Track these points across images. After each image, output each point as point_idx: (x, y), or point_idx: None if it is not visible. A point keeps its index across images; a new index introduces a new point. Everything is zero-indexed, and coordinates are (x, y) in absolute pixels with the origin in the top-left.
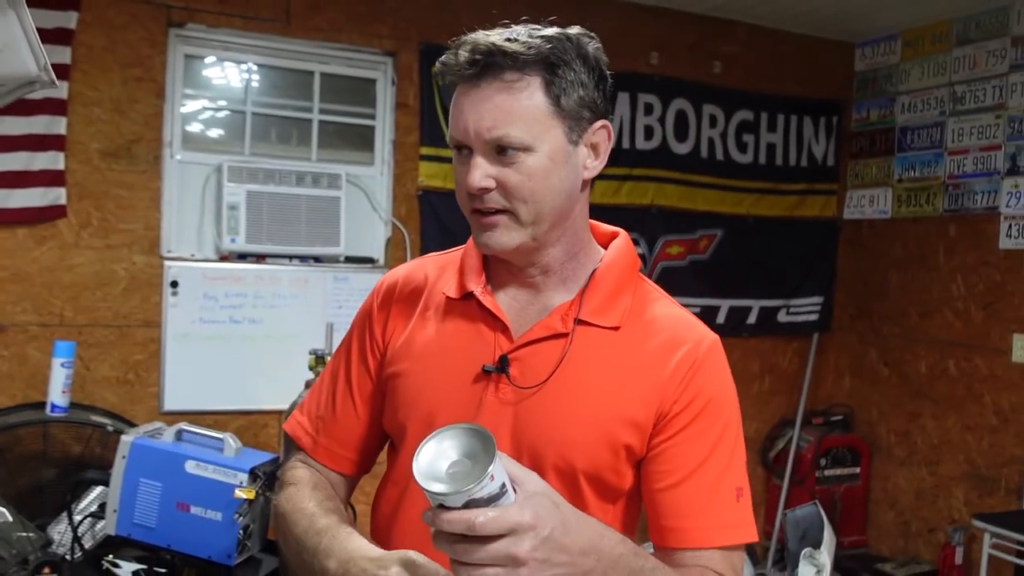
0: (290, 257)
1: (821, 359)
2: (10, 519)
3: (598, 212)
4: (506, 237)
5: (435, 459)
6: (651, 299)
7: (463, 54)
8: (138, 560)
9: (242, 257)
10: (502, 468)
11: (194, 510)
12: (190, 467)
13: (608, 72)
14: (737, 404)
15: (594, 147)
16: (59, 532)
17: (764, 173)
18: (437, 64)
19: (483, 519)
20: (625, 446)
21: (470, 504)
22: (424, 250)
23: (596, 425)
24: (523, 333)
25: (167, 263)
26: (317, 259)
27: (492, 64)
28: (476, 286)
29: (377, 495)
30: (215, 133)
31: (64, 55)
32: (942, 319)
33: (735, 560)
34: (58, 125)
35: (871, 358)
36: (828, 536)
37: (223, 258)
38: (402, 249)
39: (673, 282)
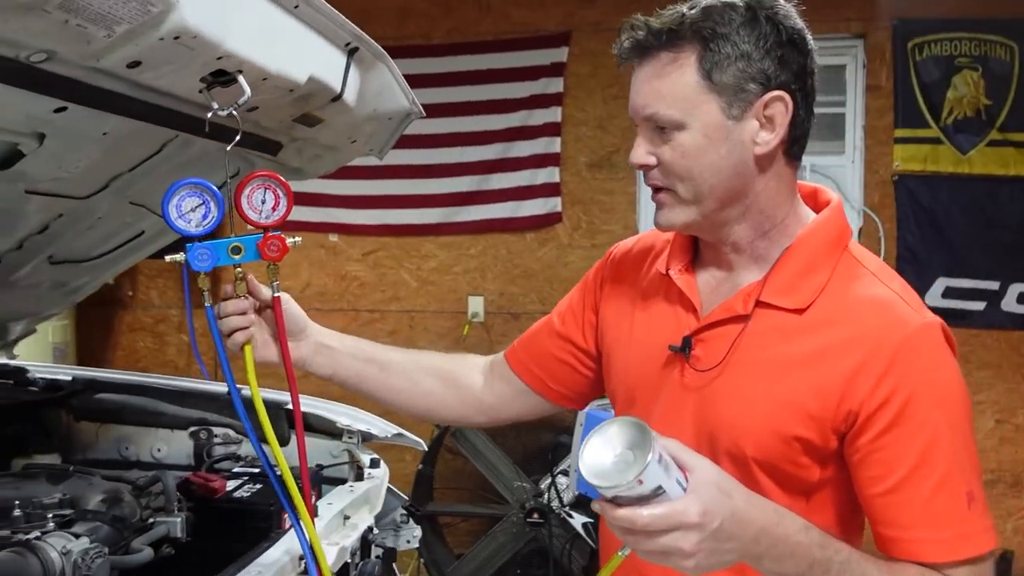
0: None
1: None
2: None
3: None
4: (672, 215)
5: (602, 449)
6: (854, 276)
7: (624, 35)
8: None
9: None
10: (660, 469)
11: None
12: None
13: (797, 37)
14: (959, 396)
15: (769, 120)
16: (545, 486)
17: None
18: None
19: (646, 519)
20: (797, 438)
21: (618, 500)
22: (900, 240)
23: (763, 413)
24: (708, 313)
25: None
26: None
27: (646, 44)
28: (676, 265)
29: None
30: None
31: (558, 85)
32: None
33: (981, 572)
34: (554, 145)
35: None
36: None
37: None
38: (875, 239)
39: None
